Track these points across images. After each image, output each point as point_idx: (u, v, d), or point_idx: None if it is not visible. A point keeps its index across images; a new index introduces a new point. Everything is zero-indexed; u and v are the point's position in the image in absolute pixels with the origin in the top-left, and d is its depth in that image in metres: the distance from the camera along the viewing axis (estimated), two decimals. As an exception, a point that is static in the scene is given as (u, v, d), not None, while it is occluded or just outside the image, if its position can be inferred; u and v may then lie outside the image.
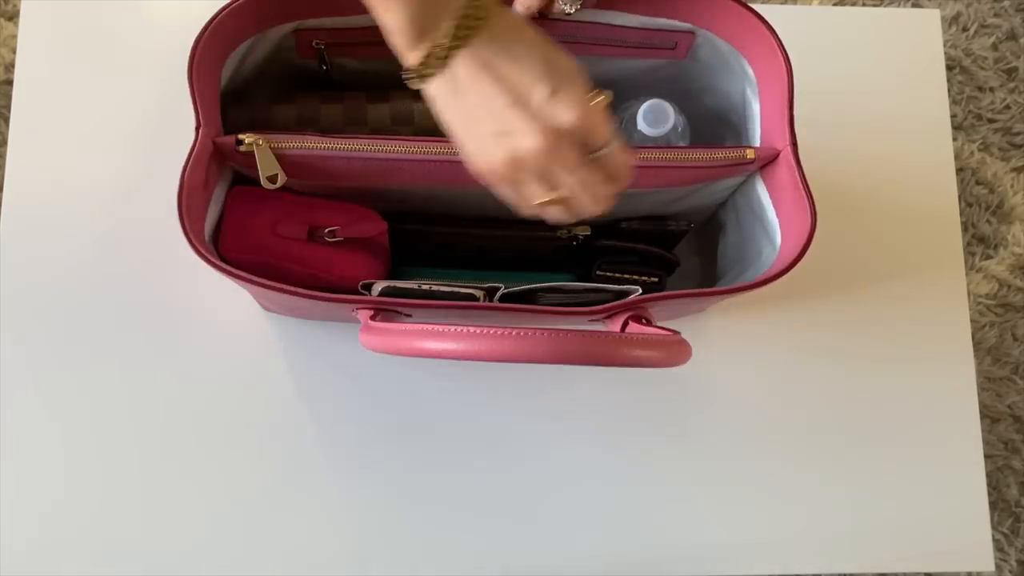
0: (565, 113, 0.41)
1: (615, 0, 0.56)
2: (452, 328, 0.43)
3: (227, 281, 0.52)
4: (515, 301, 0.55)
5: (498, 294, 0.56)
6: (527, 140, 0.41)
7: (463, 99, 0.42)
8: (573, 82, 0.42)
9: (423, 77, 0.42)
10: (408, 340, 0.44)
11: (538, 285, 0.58)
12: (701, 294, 0.53)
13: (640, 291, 0.57)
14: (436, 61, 0.41)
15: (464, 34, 0.40)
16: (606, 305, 0.53)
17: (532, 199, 0.45)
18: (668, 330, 0.49)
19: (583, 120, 0.41)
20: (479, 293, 0.54)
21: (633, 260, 0.64)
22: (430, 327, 0.44)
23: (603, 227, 0.64)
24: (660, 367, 0.44)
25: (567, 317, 0.53)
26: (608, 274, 0.63)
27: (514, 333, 0.42)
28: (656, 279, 0.64)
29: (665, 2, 0.56)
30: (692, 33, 0.58)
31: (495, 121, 0.42)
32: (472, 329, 0.42)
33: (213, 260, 0.49)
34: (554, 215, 0.46)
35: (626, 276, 0.64)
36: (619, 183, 0.46)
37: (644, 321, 0.53)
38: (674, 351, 0.45)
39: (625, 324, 0.52)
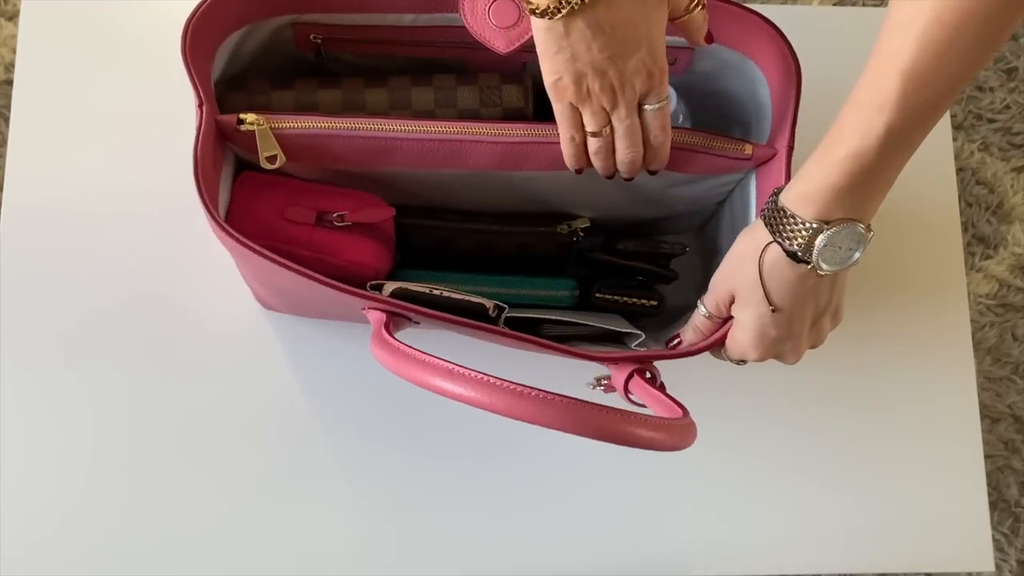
0: (642, 81, 0.48)
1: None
2: (472, 374, 0.43)
3: (228, 280, 0.52)
4: (519, 325, 0.56)
5: (503, 315, 0.56)
6: (603, 86, 0.48)
7: (567, 40, 0.46)
8: (655, 54, 0.47)
9: (546, 14, 0.44)
10: (425, 374, 0.44)
11: (543, 316, 0.58)
12: (700, 349, 0.54)
13: (642, 337, 0.57)
14: (567, 7, 0.44)
15: None
16: (612, 354, 0.53)
17: (585, 125, 0.51)
18: (676, 403, 0.50)
19: (651, 86, 0.48)
20: (489, 305, 0.55)
21: (631, 282, 0.65)
22: (450, 368, 0.43)
23: (601, 243, 0.64)
24: (667, 451, 0.45)
25: (573, 358, 0.53)
26: (608, 297, 0.64)
27: (533, 395, 0.42)
28: (656, 302, 0.64)
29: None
30: (689, 48, 0.58)
31: (588, 66, 0.47)
32: (492, 380, 0.42)
33: (232, 233, 0.49)
34: (593, 152, 0.52)
35: (625, 299, 0.64)
36: (655, 148, 0.52)
37: (648, 375, 0.53)
38: (681, 436, 0.45)
39: (630, 376, 0.53)
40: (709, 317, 0.53)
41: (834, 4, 1.29)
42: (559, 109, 0.51)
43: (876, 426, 0.72)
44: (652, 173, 0.55)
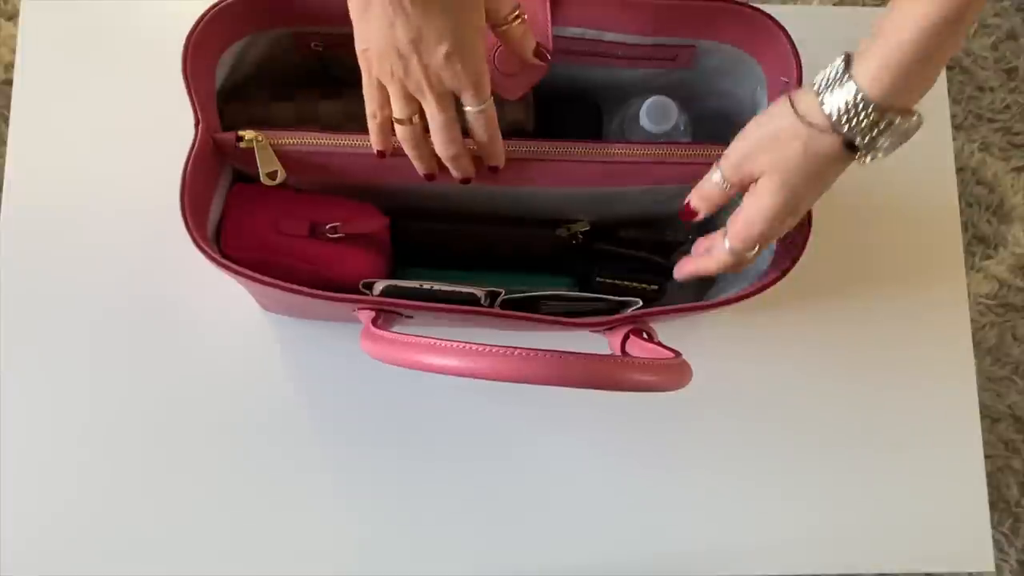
0: (450, 79, 0.47)
1: (614, 21, 0.56)
2: (455, 344, 0.43)
3: (227, 281, 0.52)
4: (516, 307, 0.56)
5: (499, 299, 0.56)
6: (408, 71, 0.47)
7: (369, 13, 0.45)
8: (464, 54, 0.46)
9: None
10: (409, 353, 0.44)
11: (539, 293, 0.58)
12: (697, 308, 0.54)
13: (640, 303, 0.57)
14: None
15: None
16: (607, 318, 0.53)
17: (394, 108, 0.49)
18: (670, 349, 0.49)
19: (461, 86, 0.48)
20: (480, 293, 0.54)
21: (633, 267, 0.64)
22: (432, 342, 0.43)
23: (602, 231, 0.64)
24: (661, 391, 0.44)
25: (568, 328, 0.53)
26: (608, 281, 0.64)
27: (517, 353, 0.42)
28: (656, 286, 0.64)
29: (669, 22, 0.56)
30: (692, 46, 0.58)
31: (391, 45, 0.46)
32: (475, 347, 0.42)
33: (216, 257, 0.49)
34: (400, 139, 0.51)
35: (626, 283, 0.64)
36: (483, 147, 0.52)
37: (645, 335, 0.53)
38: (675, 375, 0.45)
39: (626, 337, 0.53)
40: (724, 187, 0.50)
41: (834, 4, 1.29)
42: (365, 80, 0.49)
43: (876, 426, 0.72)
44: (492, 171, 0.54)
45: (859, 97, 0.43)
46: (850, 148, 0.45)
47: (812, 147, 0.45)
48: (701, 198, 0.52)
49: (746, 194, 0.49)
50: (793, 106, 0.46)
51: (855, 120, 0.43)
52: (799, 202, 0.48)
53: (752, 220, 0.49)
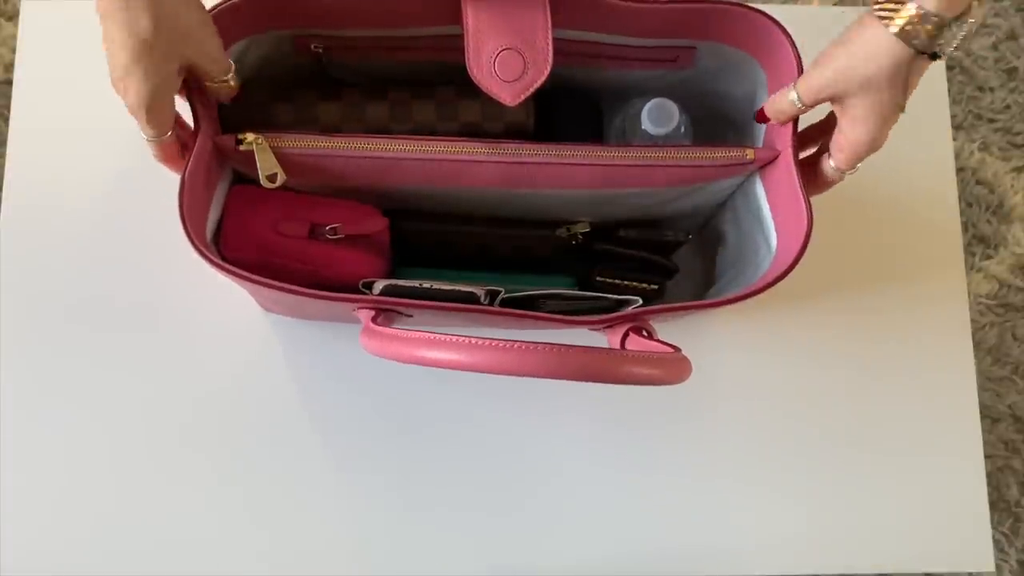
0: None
1: (614, 23, 0.56)
2: (453, 338, 0.43)
3: (227, 281, 0.52)
4: (516, 306, 0.56)
5: (499, 298, 0.56)
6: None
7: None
8: (125, 83, 0.48)
9: None
10: (408, 348, 0.44)
11: (539, 291, 0.58)
12: (697, 306, 0.54)
13: (640, 302, 0.57)
14: None
15: None
16: (606, 316, 0.53)
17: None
18: (669, 345, 0.49)
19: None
20: (480, 292, 0.54)
21: (632, 267, 0.64)
22: (431, 337, 0.44)
23: (602, 232, 0.64)
24: (660, 385, 0.44)
25: (567, 326, 0.53)
26: (608, 280, 0.63)
27: (515, 347, 0.42)
28: (656, 286, 0.64)
29: (670, 24, 0.56)
30: (693, 47, 0.58)
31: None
32: (474, 340, 0.42)
33: (214, 259, 0.49)
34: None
35: (626, 283, 0.64)
36: None
37: (645, 333, 0.53)
38: (674, 369, 0.45)
39: (626, 335, 0.53)
40: (799, 106, 0.53)
41: (834, 4, 1.29)
42: None
43: (876, 426, 0.72)
44: None
45: (922, 13, 0.46)
46: (931, 55, 0.48)
47: (896, 59, 0.48)
48: (775, 111, 0.55)
49: (841, 116, 0.52)
50: (864, 28, 0.49)
51: (941, 36, 0.46)
52: (892, 113, 0.51)
53: (858, 144, 0.52)
